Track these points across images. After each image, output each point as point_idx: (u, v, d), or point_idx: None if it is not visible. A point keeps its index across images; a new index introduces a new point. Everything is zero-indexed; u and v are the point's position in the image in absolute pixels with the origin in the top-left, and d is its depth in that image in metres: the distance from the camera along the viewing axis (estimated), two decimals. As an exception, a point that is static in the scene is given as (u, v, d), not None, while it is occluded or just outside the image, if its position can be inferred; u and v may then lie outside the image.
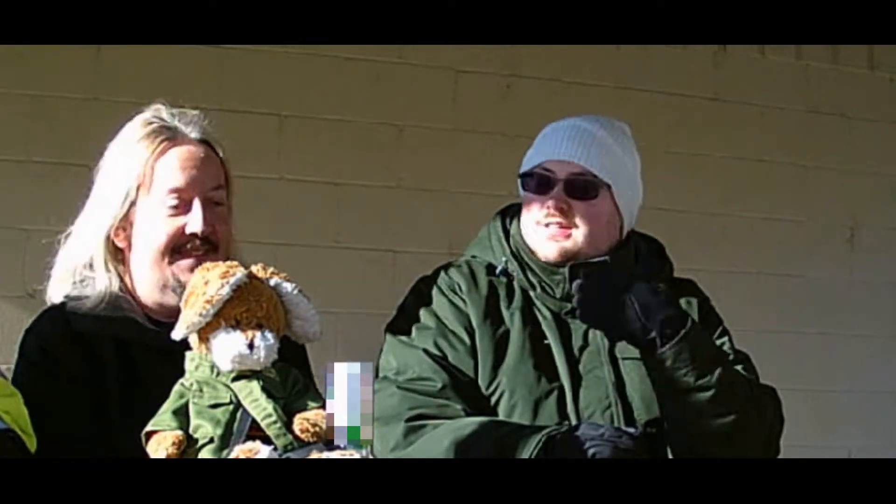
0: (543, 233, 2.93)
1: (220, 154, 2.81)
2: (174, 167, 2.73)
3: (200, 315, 2.36)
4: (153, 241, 2.72)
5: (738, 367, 2.93)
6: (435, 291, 2.94)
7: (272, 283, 2.46)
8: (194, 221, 2.71)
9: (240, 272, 2.42)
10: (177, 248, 2.72)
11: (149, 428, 2.36)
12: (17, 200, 4.05)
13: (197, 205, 2.72)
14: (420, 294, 2.96)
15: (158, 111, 2.79)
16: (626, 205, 2.96)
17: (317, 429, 2.33)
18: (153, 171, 2.73)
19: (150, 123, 2.77)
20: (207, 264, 2.48)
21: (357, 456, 2.23)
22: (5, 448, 2.35)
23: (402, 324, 2.92)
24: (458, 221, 4.41)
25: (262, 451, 2.28)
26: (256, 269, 2.47)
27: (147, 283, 2.75)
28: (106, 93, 4.13)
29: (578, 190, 2.90)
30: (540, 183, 2.92)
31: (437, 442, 2.74)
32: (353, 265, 4.42)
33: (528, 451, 2.67)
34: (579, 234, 2.91)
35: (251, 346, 2.37)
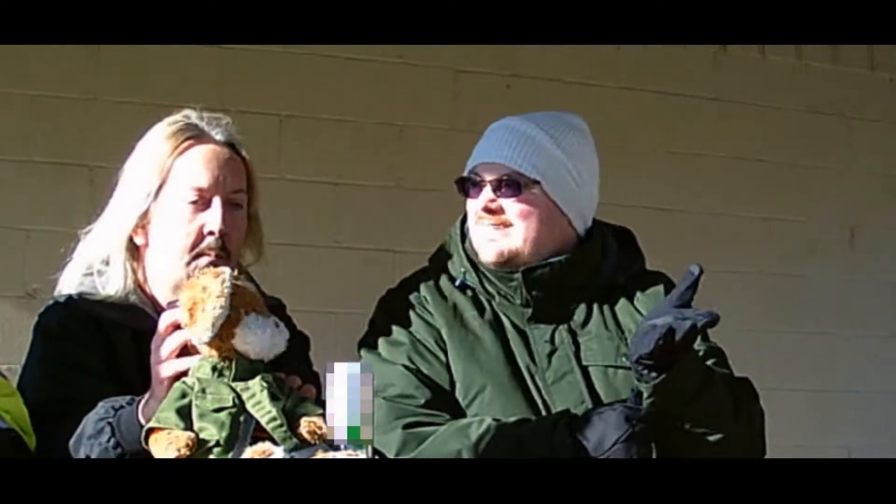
0: (483, 234, 2.94)
1: (245, 157, 2.79)
2: (196, 164, 2.72)
3: (221, 308, 2.36)
4: (172, 239, 2.71)
5: (710, 363, 2.90)
6: (403, 306, 2.95)
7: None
8: (213, 220, 2.70)
9: (228, 270, 2.43)
10: (194, 247, 2.71)
11: (153, 425, 2.35)
12: (17, 200, 4.05)
13: (217, 203, 2.71)
14: (389, 309, 2.97)
15: (188, 114, 2.79)
16: (566, 200, 2.94)
17: (322, 431, 2.33)
18: (175, 167, 2.72)
19: (175, 123, 2.77)
20: (189, 282, 2.48)
21: (363, 457, 2.23)
22: (6, 448, 2.35)
23: (374, 340, 2.93)
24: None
25: (277, 452, 2.29)
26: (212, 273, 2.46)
27: (161, 281, 2.75)
28: (106, 93, 4.14)
29: (505, 190, 2.91)
30: (472, 187, 2.95)
31: (443, 444, 2.76)
32: (353, 265, 4.42)
33: (551, 435, 2.70)
34: (516, 232, 2.91)
35: (277, 324, 2.40)
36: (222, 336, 2.39)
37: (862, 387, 5.12)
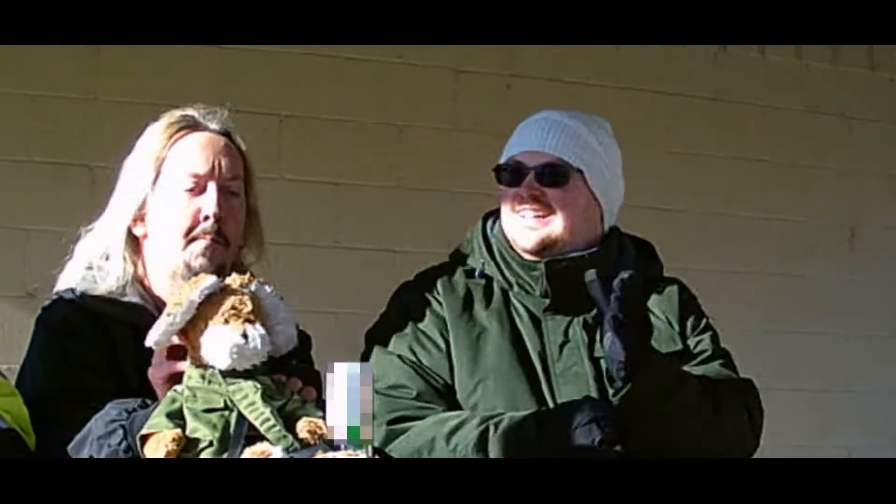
0: (521, 222, 2.94)
1: (242, 148, 2.81)
2: (192, 151, 2.74)
3: (168, 315, 2.35)
4: (169, 225, 2.72)
5: (716, 364, 2.92)
6: (413, 297, 2.97)
7: (252, 287, 2.44)
8: (208, 204, 2.70)
9: (210, 279, 2.40)
10: (190, 231, 2.71)
11: (144, 431, 2.34)
12: (17, 200, 4.05)
13: (212, 188, 2.72)
14: (399, 301, 2.99)
15: (184, 109, 2.80)
16: (602, 192, 2.97)
17: (322, 431, 2.32)
18: (170, 155, 2.73)
19: (171, 116, 2.78)
20: (181, 285, 2.47)
21: (363, 457, 2.22)
22: (6, 448, 2.35)
23: (380, 331, 2.95)
24: (458, 221, 4.38)
25: (276, 452, 2.28)
26: (232, 279, 2.44)
27: (160, 269, 2.75)
28: (106, 93, 4.14)
29: (549, 177, 2.93)
30: (512, 174, 2.96)
31: (419, 434, 2.78)
32: (353, 265, 4.42)
33: (519, 423, 2.72)
34: (557, 220, 2.92)
35: (245, 336, 2.36)
36: (194, 345, 2.38)
37: (862, 387, 5.12)
